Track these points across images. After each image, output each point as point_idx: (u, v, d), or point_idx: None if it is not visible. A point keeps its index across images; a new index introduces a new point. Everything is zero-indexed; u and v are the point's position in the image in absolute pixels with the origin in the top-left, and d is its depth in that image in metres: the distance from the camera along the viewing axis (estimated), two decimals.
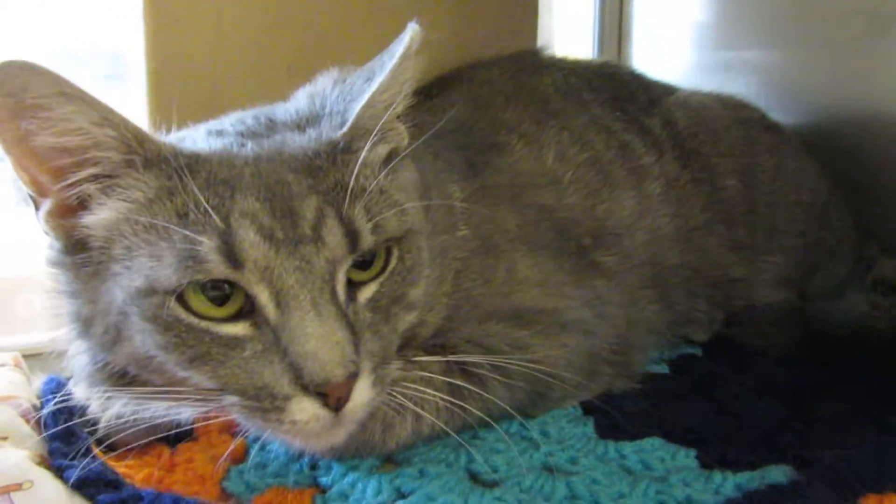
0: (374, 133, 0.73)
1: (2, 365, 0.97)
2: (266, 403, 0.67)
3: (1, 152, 0.69)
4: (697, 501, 0.73)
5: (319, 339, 0.65)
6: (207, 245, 0.65)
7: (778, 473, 0.76)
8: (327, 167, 0.71)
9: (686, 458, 0.81)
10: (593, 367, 0.94)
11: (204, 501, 0.74)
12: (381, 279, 0.73)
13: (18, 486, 0.71)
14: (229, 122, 0.80)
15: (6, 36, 1.33)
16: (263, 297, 0.67)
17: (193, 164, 0.69)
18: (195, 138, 0.77)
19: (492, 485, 0.77)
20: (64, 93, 0.65)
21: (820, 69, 1.42)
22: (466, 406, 0.80)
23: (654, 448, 0.83)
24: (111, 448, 0.81)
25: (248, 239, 0.66)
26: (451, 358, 0.82)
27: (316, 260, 0.67)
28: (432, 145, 0.91)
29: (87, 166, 0.69)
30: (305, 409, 0.66)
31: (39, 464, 0.77)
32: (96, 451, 0.81)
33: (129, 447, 0.81)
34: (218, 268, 0.65)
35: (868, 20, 1.31)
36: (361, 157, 0.72)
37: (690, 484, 0.76)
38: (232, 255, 0.65)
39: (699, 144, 1.22)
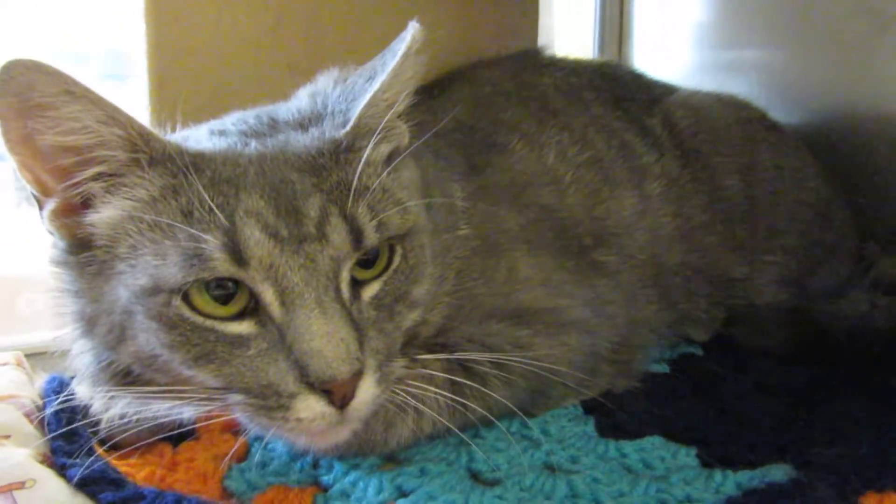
0: (377, 132, 0.74)
1: (4, 364, 0.97)
2: (271, 401, 0.67)
3: (2, 152, 0.69)
4: (698, 500, 0.73)
5: (324, 337, 0.66)
6: (212, 243, 0.65)
7: (778, 472, 0.76)
8: (331, 166, 0.72)
9: (686, 456, 0.82)
10: (594, 366, 0.94)
11: (206, 500, 0.74)
12: (384, 277, 0.74)
13: (21, 485, 0.72)
14: (231, 121, 0.80)
15: (7, 34, 1.33)
16: (268, 295, 0.67)
17: (198, 162, 0.69)
18: (198, 138, 0.77)
19: (493, 483, 0.77)
20: (70, 92, 0.65)
21: (820, 69, 1.42)
22: (468, 404, 0.80)
23: (654, 447, 0.83)
24: (115, 447, 0.81)
25: (253, 237, 0.66)
26: (453, 356, 0.82)
27: (320, 258, 0.67)
28: (433, 144, 0.91)
29: (92, 165, 0.69)
30: (311, 406, 0.66)
31: (42, 462, 0.77)
32: (100, 451, 0.81)
33: (132, 447, 0.81)
34: (223, 266, 0.66)
35: (868, 20, 1.31)
36: (364, 155, 0.72)
37: (691, 483, 0.76)
38: (237, 253, 0.66)
39: (700, 144, 1.22)
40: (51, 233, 0.74)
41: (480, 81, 1.21)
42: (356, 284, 0.72)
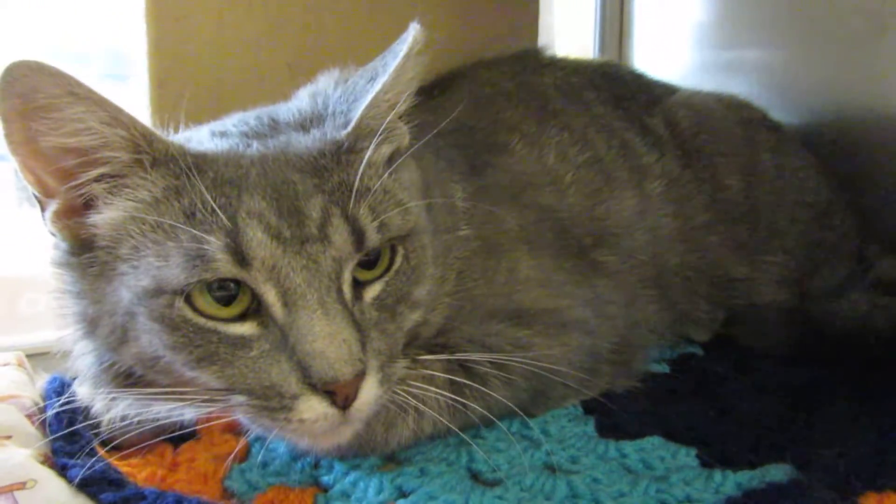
0: (378, 133, 0.74)
1: (5, 364, 0.97)
2: (274, 402, 0.67)
3: (4, 152, 0.69)
4: (698, 500, 0.74)
5: (327, 338, 0.66)
6: (215, 244, 0.65)
7: (778, 472, 0.76)
8: (332, 167, 0.72)
9: (686, 456, 0.82)
10: (594, 366, 0.94)
11: (206, 500, 0.75)
12: (386, 278, 0.74)
13: (22, 485, 0.72)
14: (232, 122, 0.80)
15: (7, 34, 1.33)
16: (270, 296, 0.67)
17: (201, 163, 0.69)
18: (200, 139, 0.77)
19: (493, 484, 0.77)
20: (74, 93, 0.65)
21: (820, 69, 1.42)
22: (468, 404, 0.81)
23: (654, 447, 0.83)
24: (116, 448, 0.81)
25: (256, 238, 0.66)
26: (454, 357, 0.82)
27: (322, 259, 0.68)
28: (434, 145, 0.91)
29: (95, 166, 0.69)
30: (313, 407, 0.67)
31: (43, 463, 0.77)
32: (102, 452, 0.81)
33: (134, 448, 0.81)
34: (225, 267, 0.66)
35: (868, 20, 1.31)
36: (366, 156, 0.72)
37: (691, 483, 0.76)
38: (239, 254, 0.66)
39: (701, 144, 1.22)
40: (53, 234, 0.74)
41: (481, 81, 1.21)
42: (358, 285, 0.72)
